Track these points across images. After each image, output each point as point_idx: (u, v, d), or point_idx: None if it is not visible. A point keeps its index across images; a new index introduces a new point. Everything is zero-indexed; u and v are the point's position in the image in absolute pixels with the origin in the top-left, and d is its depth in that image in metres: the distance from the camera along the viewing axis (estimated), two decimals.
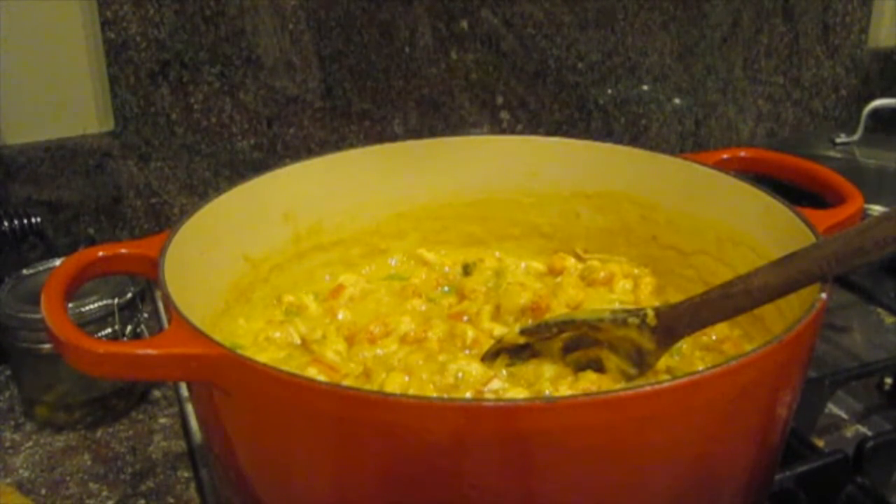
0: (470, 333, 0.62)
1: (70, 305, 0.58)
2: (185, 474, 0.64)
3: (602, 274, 0.68)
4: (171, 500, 0.61)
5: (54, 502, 0.61)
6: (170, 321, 0.48)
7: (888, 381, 0.69)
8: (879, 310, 0.80)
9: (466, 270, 0.71)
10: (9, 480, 0.63)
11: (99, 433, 0.68)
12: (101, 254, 0.55)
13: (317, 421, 0.44)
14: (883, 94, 1.05)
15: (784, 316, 0.56)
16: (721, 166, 0.65)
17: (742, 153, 0.69)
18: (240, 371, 0.44)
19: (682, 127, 1.09)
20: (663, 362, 0.55)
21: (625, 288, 0.67)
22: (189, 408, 0.68)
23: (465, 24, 0.94)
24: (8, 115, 0.82)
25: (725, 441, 0.47)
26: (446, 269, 0.72)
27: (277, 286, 0.66)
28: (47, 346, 0.66)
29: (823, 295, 0.48)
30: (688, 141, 1.10)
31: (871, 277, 0.81)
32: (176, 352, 0.45)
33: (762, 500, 0.54)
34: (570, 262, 0.71)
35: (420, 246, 0.73)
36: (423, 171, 0.71)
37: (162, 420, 0.70)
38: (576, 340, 0.57)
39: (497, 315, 0.64)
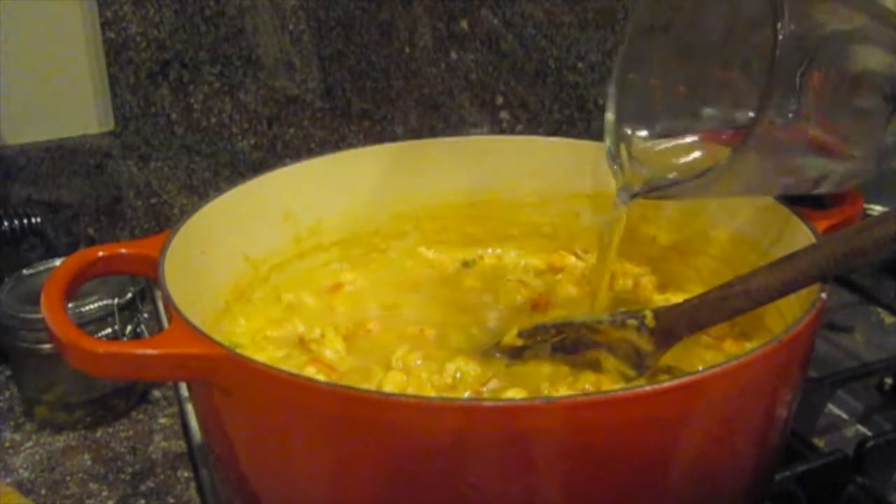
0: (470, 331, 0.62)
1: (70, 305, 0.58)
2: (185, 474, 0.64)
3: None
4: (171, 500, 0.61)
5: (54, 502, 0.61)
6: (170, 321, 0.48)
7: (888, 381, 0.69)
8: (879, 310, 0.80)
9: (466, 267, 0.71)
10: (9, 480, 0.63)
11: (99, 433, 0.68)
12: (101, 254, 0.55)
13: (316, 420, 0.44)
14: None
15: (784, 316, 0.56)
16: None
17: None
18: (240, 371, 0.44)
19: None
20: (663, 362, 0.55)
21: (625, 287, 0.67)
22: (189, 408, 0.68)
23: (465, 24, 0.94)
24: (8, 115, 0.82)
25: (725, 441, 0.47)
26: (446, 266, 0.72)
27: (277, 286, 0.66)
28: (47, 346, 0.66)
29: (823, 295, 0.48)
30: None
31: (871, 277, 0.81)
32: (176, 352, 0.45)
33: (762, 500, 0.54)
34: (571, 260, 0.71)
35: (420, 246, 0.73)
36: (423, 171, 0.71)
37: (162, 420, 0.70)
38: (574, 342, 0.57)
39: (496, 312, 0.64)
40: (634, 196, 0.58)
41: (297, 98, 0.90)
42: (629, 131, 0.60)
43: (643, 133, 0.60)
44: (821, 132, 0.52)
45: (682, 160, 0.59)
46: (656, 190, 0.56)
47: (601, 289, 0.62)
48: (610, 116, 0.60)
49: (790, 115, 0.48)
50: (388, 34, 0.91)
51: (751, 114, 0.56)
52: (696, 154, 0.59)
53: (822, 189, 0.56)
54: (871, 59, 0.52)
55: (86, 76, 0.85)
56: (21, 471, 0.64)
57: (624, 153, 0.60)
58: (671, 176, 0.57)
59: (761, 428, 0.49)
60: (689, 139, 0.60)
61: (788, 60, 0.47)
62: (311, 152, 0.89)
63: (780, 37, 0.46)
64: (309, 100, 0.91)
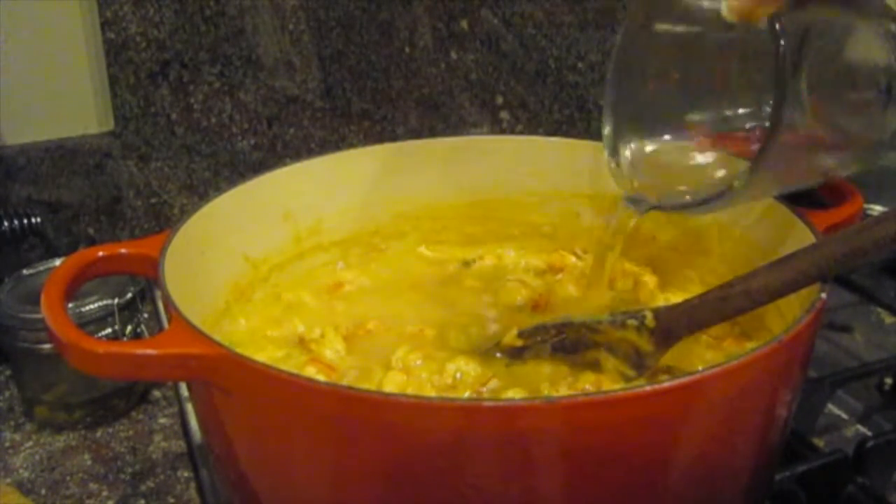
0: (470, 331, 0.62)
1: (70, 305, 0.58)
2: (185, 474, 0.64)
3: None
4: (171, 500, 0.61)
5: (54, 502, 0.61)
6: (170, 321, 0.48)
7: (888, 381, 0.69)
8: (879, 310, 0.80)
9: (466, 267, 0.71)
10: (9, 480, 0.63)
11: (99, 433, 0.68)
12: (101, 254, 0.55)
13: (316, 421, 0.44)
14: None
15: (784, 316, 0.56)
16: None
17: None
18: (239, 371, 0.44)
19: None
20: (663, 362, 0.55)
21: (625, 287, 0.67)
22: (189, 408, 0.68)
23: (465, 24, 0.94)
24: (8, 115, 0.82)
25: (725, 441, 0.47)
26: (446, 266, 0.72)
27: (277, 286, 0.66)
28: (47, 346, 0.66)
29: (823, 295, 0.48)
30: None
31: (871, 277, 0.81)
32: (176, 352, 0.45)
33: (762, 500, 0.54)
34: (571, 260, 0.71)
35: (420, 245, 0.73)
36: (423, 171, 0.71)
37: (162, 420, 0.70)
38: (574, 342, 0.57)
39: (496, 312, 0.64)
40: (650, 209, 0.57)
41: (297, 98, 0.90)
42: (629, 140, 0.60)
43: (643, 140, 0.60)
44: (822, 129, 0.52)
45: (689, 170, 0.59)
46: (672, 208, 0.56)
47: (600, 292, 0.62)
48: (607, 130, 0.60)
49: (797, 118, 0.48)
50: (388, 34, 0.92)
51: (742, 110, 0.56)
52: (701, 161, 0.59)
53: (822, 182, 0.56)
54: (866, 51, 0.52)
55: (86, 76, 0.85)
56: (21, 471, 0.64)
57: (626, 162, 0.60)
58: (683, 190, 0.57)
59: (761, 428, 0.49)
60: (691, 144, 0.60)
61: (789, 61, 0.46)
62: (311, 152, 0.89)
63: (782, 41, 0.46)
64: (309, 100, 0.91)
